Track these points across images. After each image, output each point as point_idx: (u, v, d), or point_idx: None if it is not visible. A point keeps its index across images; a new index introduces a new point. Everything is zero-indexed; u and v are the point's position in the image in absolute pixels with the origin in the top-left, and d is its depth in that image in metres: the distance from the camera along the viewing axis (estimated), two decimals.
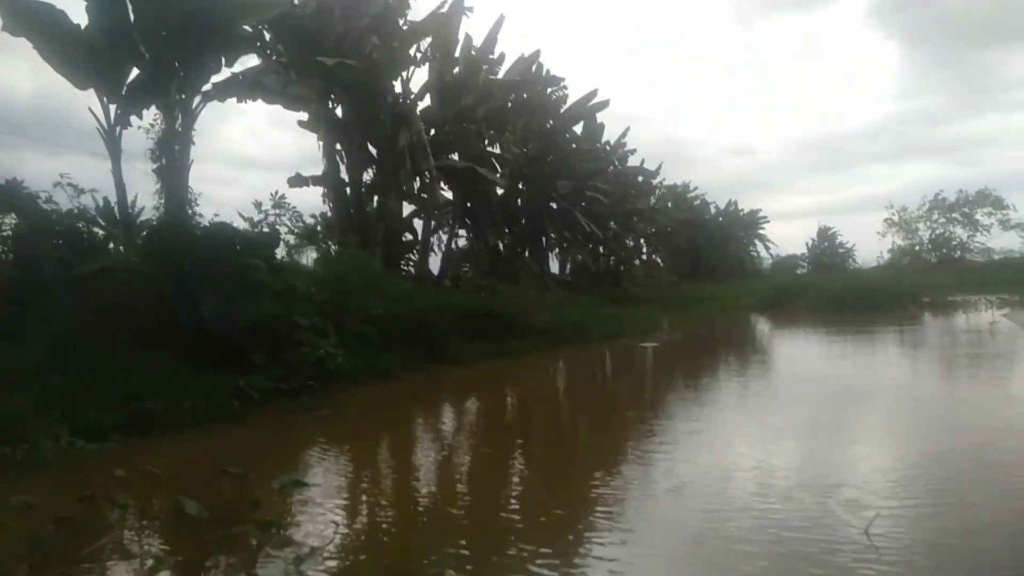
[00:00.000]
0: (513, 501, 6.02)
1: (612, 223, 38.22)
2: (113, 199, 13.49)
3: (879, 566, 4.02)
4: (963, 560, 4.15)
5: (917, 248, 60.35)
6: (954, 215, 58.28)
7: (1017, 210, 56.06)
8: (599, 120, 33.18)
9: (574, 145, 30.48)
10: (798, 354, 16.63)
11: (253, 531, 4.58)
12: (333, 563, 4.52)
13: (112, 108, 12.48)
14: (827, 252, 70.96)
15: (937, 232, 59.42)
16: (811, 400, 9.84)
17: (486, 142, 25.61)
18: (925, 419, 8.10)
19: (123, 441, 7.79)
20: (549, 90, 28.49)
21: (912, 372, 12.25)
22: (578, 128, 32.13)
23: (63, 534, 4.80)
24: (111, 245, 12.90)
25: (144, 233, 12.86)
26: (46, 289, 9.53)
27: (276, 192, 26.29)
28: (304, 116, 19.92)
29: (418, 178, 20.31)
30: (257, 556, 4.45)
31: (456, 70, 22.99)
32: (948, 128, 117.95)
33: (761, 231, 70.00)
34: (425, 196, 21.14)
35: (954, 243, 59.35)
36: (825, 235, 72.23)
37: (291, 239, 24.84)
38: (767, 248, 72.34)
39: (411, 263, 24.02)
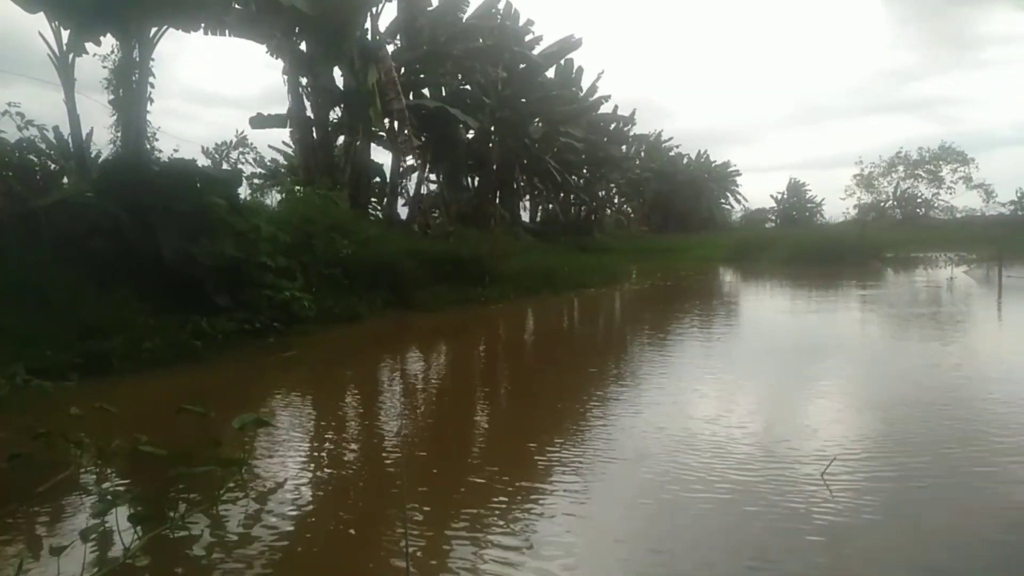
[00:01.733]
0: (475, 440, 6.08)
1: (584, 171, 38.09)
2: (66, 131, 12.99)
3: (833, 507, 4.16)
4: (908, 498, 4.31)
5: (883, 204, 61.31)
6: (918, 172, 59.12)
7: (979, 168, 57.22)
8: (576, 64, 32.72)
9: (553, 93, 30.01)
10: (759, 306, 16.90)
11: (215, 469, 4.56)
12: (295, 500, 4.53)
13: (65, 34, 11.90)
14: (796, 207, 71.77)
15: (902, 189, 60.36)
16: (766, 351, 10.02)
17: (459, 82, 25.12)
18: (878, 371, 8.30)
19: (81, 381, 7.66)
20: (524, 35, 27.93)
21: (868, 326, 12.52)
22: (552, 73, 31.65)
23: (18, 471, 4.72)
24: (64, 179, 12.49)
25: (100, 165, 12.45)
26: None
27: (239, 131, 25.61)
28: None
29: (387, 119, 19.90)
30: (219, 493, 4.44)
31: (429, 8, 22.34)
32: (922, 84, 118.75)
33: (733, 184, 70.37)
34: (394, 137, 20.75)
35: (919, 200, 60.40)
36: (795, 190, 72.91)
37: (255, 179, 24.34)
38: (738, 201, 72.87)
39: (379, 207, 23.72)
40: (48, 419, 5.47)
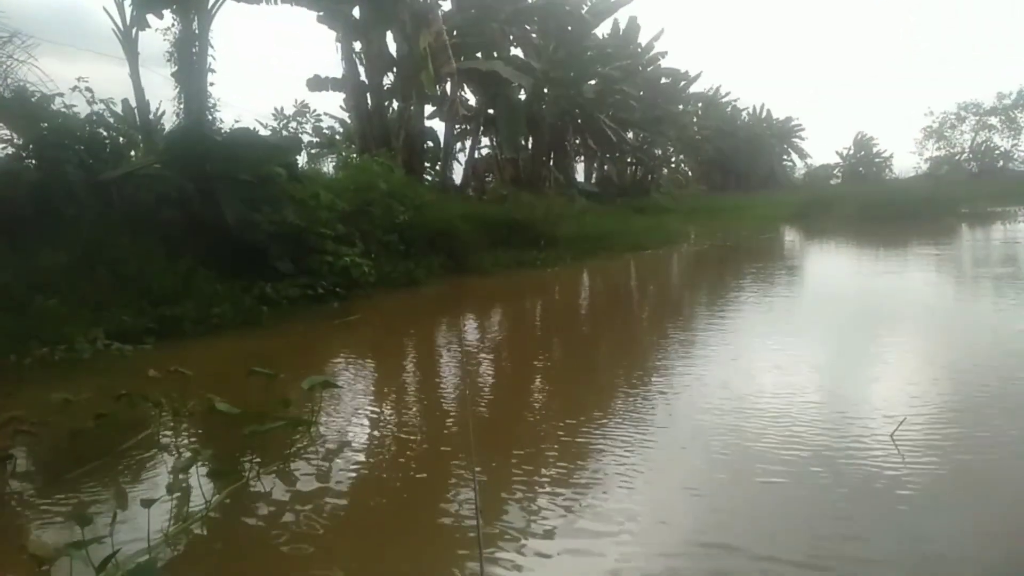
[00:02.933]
0: (536, 404, 6.16)
1: (639, 131, 37.42)
2: (132, 105, 13.40)
3: (903, 468, 4.10)
4: (979, 464, 4.21)
5: (957, 157, 58.50)
6: (991, 120, 56.00)
7: None
8: (633, 19, 31.98)
9: (608, 50, 29.41)
10: (823, 267, 16.45)
11: (285, 427, 4.75)
12: (361, 458, 4.69)
13: (128, 8, 12.21)
14: (863, 162, 69.11)
15: (977, 141, 57.43)
16: (836, 314, 9.77)
17: (510, 43, 24.85)
18: (951, 335, 8.01)
19: (156, 345, 8.02)
20: None
21: (940, 287, 12.08)
22: (608, 28, 31.05)
23: (102, 429, 5.00)
24: (132, 152, 12.91)
25: (165, 137, 12.82)
26: (71, 195, 9.62)
27: (298, 100, 25.98)
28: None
29: (440, 83, 19.88)
30: (289, 451, 4.63)
31: None
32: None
33: (796, 140, 68.12)
34: (448, 100, 20.74)
35: (996, 152, 57.43)
36: (862, 144, 70.15)
37: (312, 148, 24.70)
38: (801, 158, 70.61)
39: (433, 172, 23.84)
40: (128, 381, 5.76)
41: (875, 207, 27.05)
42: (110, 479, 4.39)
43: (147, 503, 3.50)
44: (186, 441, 5.09)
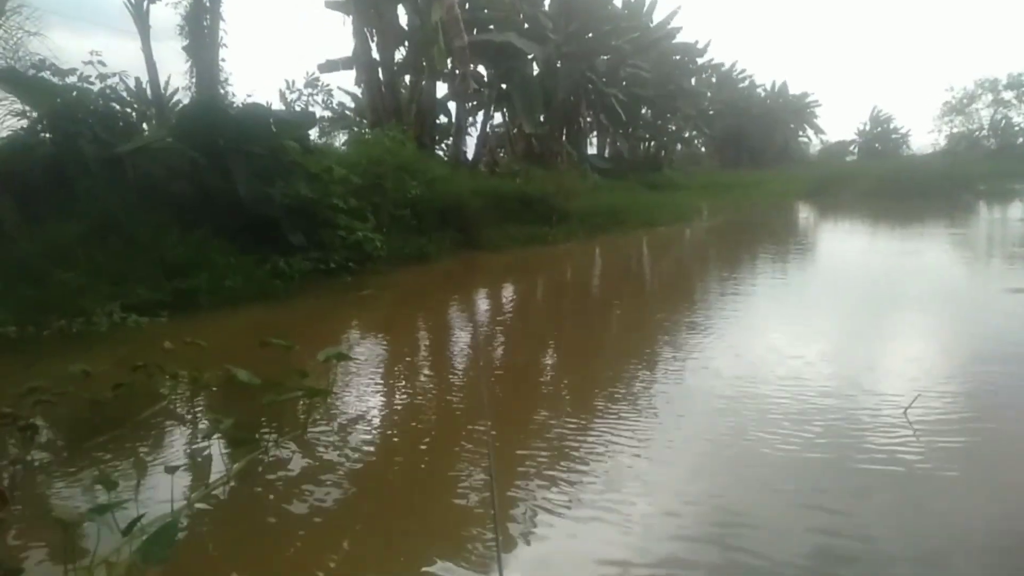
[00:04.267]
0: (547, 375, 6.20)
1: (652, 106, 37.08)
2: (144, 79, 13.42)
3: (916, 444, 4.12)
4: (991, 438, 4.23)
5: (976, 134, 57.63)
6: (1007, 96, 54.96)
7: None
8: None
9: (622, 24, 29.05)
10: (837, 245, 16.35)
11: (302, 397, 4.81)
12: (377, 428, 4.75)
13: None
14: (880, 138, 68.27)
15: (997, 117, 56.51)
16: (848, 292, 9.73)
17: (521, 17, 24.59)
18: (965, 315, 7.97)
19: (171, 317, 8.10)
20: None
21: (956, 267, 11.99)
22: (619, 2, 30.67)
23: (120, 400, 5.08)
24: (145, 126, 12.94)
25: (178, 112, 12.83)
26: (85, 168, 9.67)
27: (309, 72, 25.86)
28: None
29: (451, 57, 19.74)
30: (308, 421, 4.69)
31: None
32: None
33: (811, 116, 67.32)
34: (459, 75, 20.59)
35: (1016, 129, 56.53)
36: (878, 120, 69.27)
37: (324, 122, 24.61)
38: (816, 135, 69.83)
39: (445, 147, 23.75)
40: (144, 353, 5.83)
41: (891, 184, 26.80)
42: (131, 448, 4.47)
43: (171, 469, 3.57)
44: (204, 411, 5.16)
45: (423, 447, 4.45)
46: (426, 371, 6.40)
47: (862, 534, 3.19)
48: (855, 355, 6.19)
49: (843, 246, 15.56)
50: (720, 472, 3.92)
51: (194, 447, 4.37)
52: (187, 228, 9.71)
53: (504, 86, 24.42)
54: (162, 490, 3.71)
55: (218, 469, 4.07)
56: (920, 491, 3.58)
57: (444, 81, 21.59)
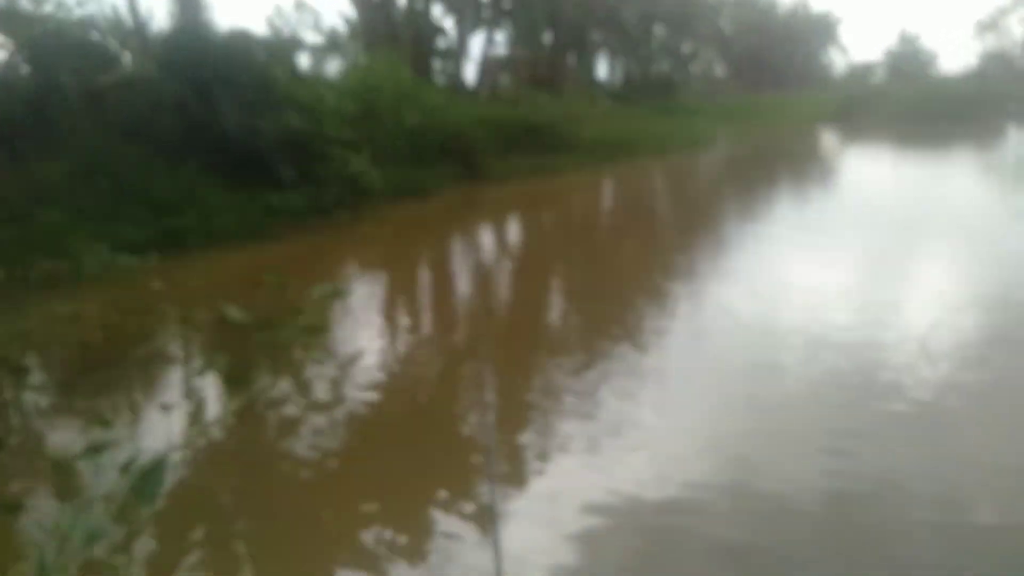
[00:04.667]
0: (545, 314, 6.27)
1: (665, 25, 36.18)
2: (123, 5, 13.11)
3: (932, 369, 4.20)
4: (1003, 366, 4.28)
5: (1009, 53, 55.97)
6: None
7: None
8: None
9: None
10: (858, 172, 16.16)
11: (296, 335, 4.90)
12: (373, 365, 4.85)
13: None
14: (908, 59, 66.55)
15: None
16: (869, 222, 9.68)
17: None
18: (987, 247, 7.93)
19: (160, 258, 8.15)
20: None
21: (978, 194, 11.87)
22: None
23: (112, 341, 5.19)
24: (127, 58, 12.74)
25: (160, 41, 12.61)
26: (67, 103, 9.59)
27: None
28: None
29: None
30: (303, 358, 4.79)
31: None
32: None
33: (834, 34, 65.48)
34: None
35: None
36: (907, 40, 67.39)
37: (315, 47, 24.16)
38: (841, 54, 68.07)
39: (444, 72, 23.34)
40: (133, 294, 5.93)
41: (919, 106, 26.31)
42: (124, 388, 4.59)
43: (166, 408, 3.67)
44: (197, 351, 5.27)
45: (420, 384, 4.55)
46: (423, 309, 6.48)
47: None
48: (873, 286, 6.22)
49: (864, 173, 15.40)
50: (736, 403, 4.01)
51: (189, 386, 4.48)
52: (174, 165, 9.68)
53: (507, 4, 23.82)
54: (159, 429, 3.83)
55: (214, 408, 4.18)
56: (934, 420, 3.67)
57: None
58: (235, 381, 4.28)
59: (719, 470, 3.26)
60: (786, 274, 6.74)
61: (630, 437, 3.60)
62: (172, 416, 3.87)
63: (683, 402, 4.07)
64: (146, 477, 2.49)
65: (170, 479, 3.36)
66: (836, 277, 6.50)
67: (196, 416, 4.11)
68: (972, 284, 6.21)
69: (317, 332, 5.07)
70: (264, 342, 4.69)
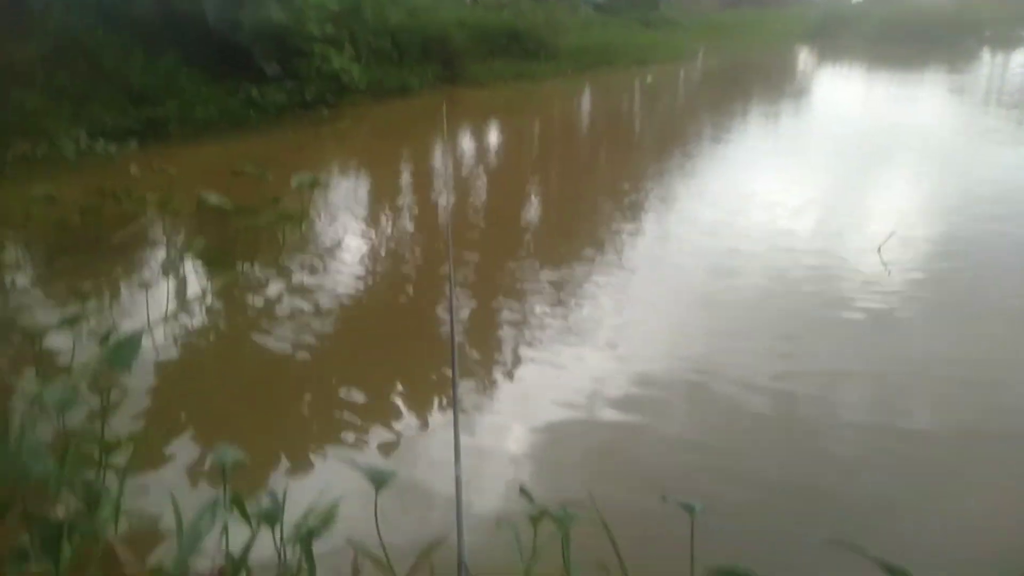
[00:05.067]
0: (518, 216, 6.14)
1: None
2: None
3: (888, 282, 4.16)
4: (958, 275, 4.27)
5: None
6: None
7: None
8: None
9: None
10: (829, 90, 15.88)
11: (276, 222, 4.73)
12: (352, 254, 4.72)
13: None
14: None
15: None
16: (835, 139, 9.51)
17: None
18: (950, 164, 7.81)
19: (141, 146, 7.83)
20: None
21: (945, 116, 11.69)
22: None
23: (89, 225, 4.98)
24: None
25: None
26: None
27: None
28: None
29: None
30: (283, 246, 4.64)
31: None
32: None
33: None
34: None
35: None
36: None
37: None
38: None
39: None
40: (112, 179, 5.67)
41: (895, 27, 25.73)
42: (103, 268, 4.43)
43: (145, 285, 3.54)
44: (176, 235, 5.07)
45: (396, 276, 4.44)
46: (401, 203, 6.30)
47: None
48: (835, 200, 6.14)
49: (835, 92, 15.15)
50: (693, 309, 3.96)
51: (168, 268, 4.32)
52: (153, 54, 9.19)
53: None
54: (137, 307, 3.70)
55: (194, 290, 4.05)
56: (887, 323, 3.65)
57: None
58: (215, 263, 4.13)
59: (675, 369, 3.21)
60: (752, 186, 6.60)
61: (595, 334, 3.53)
62: (151, 295, 3.73)
63: (644, 302, 3.99)
64: (121, 346, 2.40)
65: (148, 355, 3.27)
66: (801, 190, 6.40)
67: (175, 295, 3.97)
68: (933, 199, 6.15)
69: (296, 220, 4.90)
70: (243, 227, 4.52)
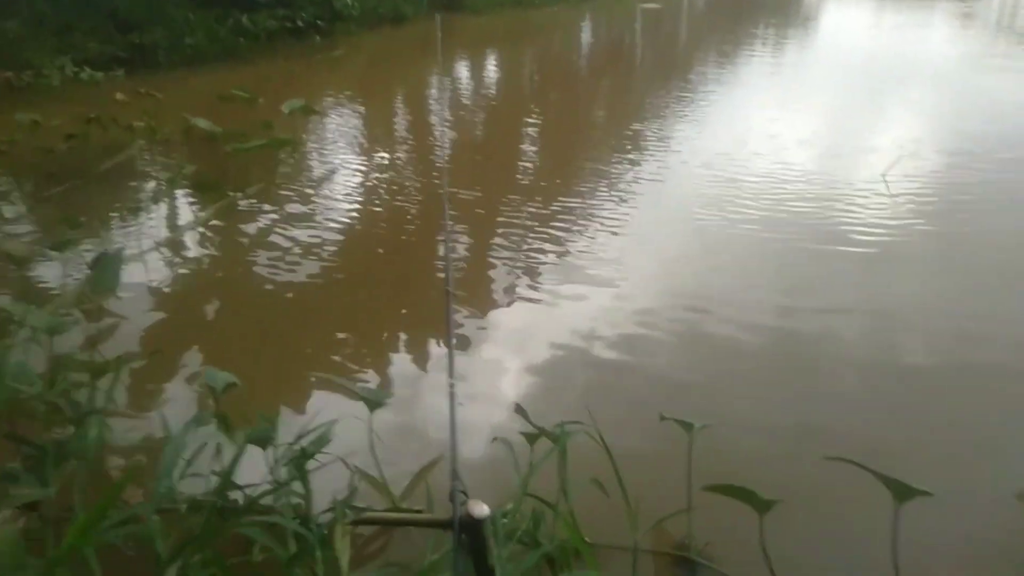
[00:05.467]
0: (523, 145, 6.00)
1: None
2: None
3: (892, 206, 4.08)
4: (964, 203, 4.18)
5: None
6: None
7: None
8: None
9: None
10: (837, 15, 15.40)
11: (268, 147, 4.60)
12: (345, 183, 4.60)
13: None
14: None
15: None
16: (841, 67, 9.25)
17: None
18: (957, 95, 7.59)
19: (128, 74, 7.60)
20: None
21: (954, 44, 11.36)
22: None
23: (76, 152, 4.86)
24: None
25: None
26: None
27: None
28: None
29: None
30: (275, 172, 4.52)
31: None
32: None
33: None
34: None
35: None
36: None
37: None
38: None
39: None
40: (98, 107, 5.51)
41: None
42: (92, 196, 4.32)
43: (134, 211, 3.45)
44: (165, 162, 4.94)
45: (391, 206, 4.32)
46: (396, 133, 6.15)
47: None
48: (841, 130, 5.98)
49: (843, 19, 14.68)
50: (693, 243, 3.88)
51: (159, 195, 4.22)
52: None
53: None
54: (126, 236, 3.62)
55: (185, 217, 3.96)
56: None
57: None
58: (206, 189, 4.02)
59: (673, 306, 3.09)
60: (756, 117, 6.40)
61: (591, 270, 3.41)
62: (140, 222, 3.65)
63: (641, 237, 3.86)
64: (103, 267, 2.33)
65: (139, 282, 3.21)
66: (806, 120, 6.22)
67: (165, 223, 3.88)
68: (938, 130, 5.98)
69: (289, 146, 4.77)
70: (234, 152, 4.40)
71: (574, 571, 1.55)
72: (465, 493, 1.23)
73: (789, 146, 5.30)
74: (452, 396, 1.33)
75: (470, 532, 1.14)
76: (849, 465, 1.58)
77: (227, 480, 1.55)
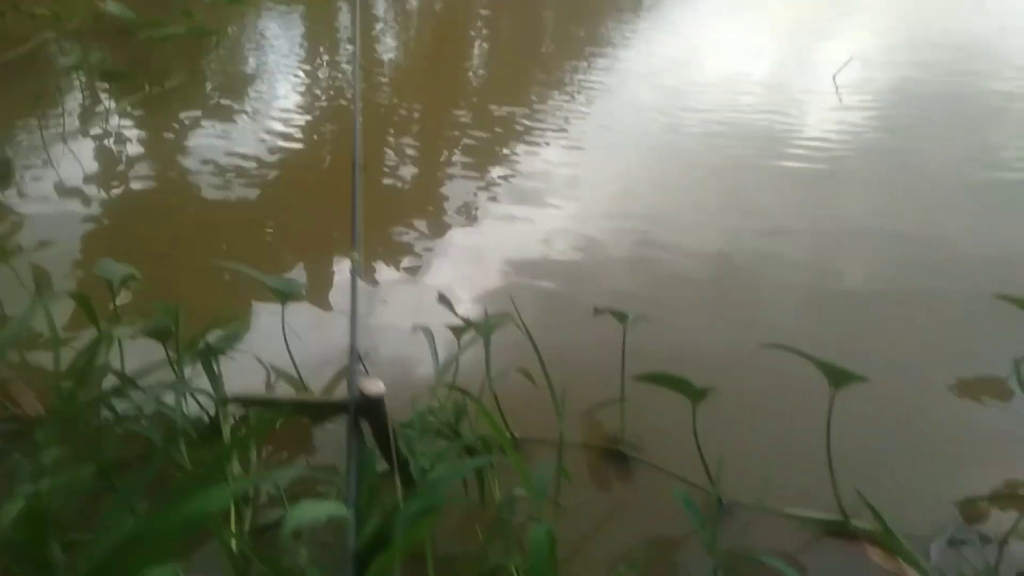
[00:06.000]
0: (465, 55, 5.70)
1: None
2: None
3: (841, 110, 3.98)
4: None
5: None
6: None
7: None
8: None
9: None
10: None
11: (186, 35, 4.24)
12: (276, 79, 4.28)
13: None
14: None
15: None
16: None
17: None
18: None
19: None
20: None
21: None
22: None
23: None
24: None
25: None
26: None
27: None
28: None
29: None
30: (196, 64, 4.18)
31: None
32: None
33: None
34: None
35: None
36: None
37: None
38: None
39: None
40: None
41: None
42: None
43: (38, 109, 3.15)
44: (73, 54, 4.49)
45: (318, 109, 4.01)
46: (339, 45, 5.71)
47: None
48: (793, 43, 5.79)
49: None
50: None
51: (64, 87, 3.85)
52: None
53: None
54: (30, 136, 3.32)
55: (97, 113, 3.64)
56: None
57: None
58: (115, 77, 3.69)
59: (618, 228, 2.86)
60: (707, 31, 6.10)
61: (532, 192, 3.20)
62: (45, 121, 3.34)
63: (587, 157, 3.61)
64: None
65: (47, 183, 2.96)
66: (759, 35, 5.97)
67: (77, 119, 3.56)
68: (892, 40, 5.84)
69: (212, 35, 4.39)
70: (149, 40, 4.03)
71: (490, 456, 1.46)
72: (367, 370, 1.11)
73: (742, 59, 5.09)
74: (354, 270, 1.19)
75: (370, 414, 1.04)
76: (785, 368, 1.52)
77: (89, 366, 1.38)
